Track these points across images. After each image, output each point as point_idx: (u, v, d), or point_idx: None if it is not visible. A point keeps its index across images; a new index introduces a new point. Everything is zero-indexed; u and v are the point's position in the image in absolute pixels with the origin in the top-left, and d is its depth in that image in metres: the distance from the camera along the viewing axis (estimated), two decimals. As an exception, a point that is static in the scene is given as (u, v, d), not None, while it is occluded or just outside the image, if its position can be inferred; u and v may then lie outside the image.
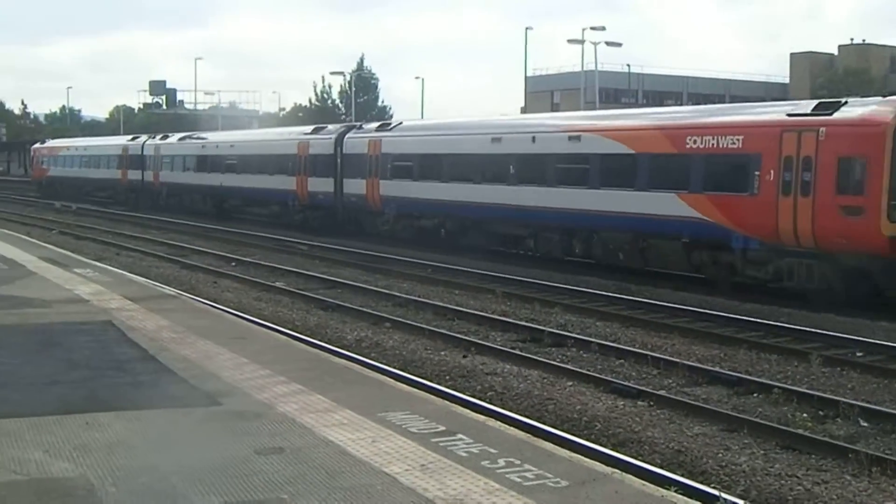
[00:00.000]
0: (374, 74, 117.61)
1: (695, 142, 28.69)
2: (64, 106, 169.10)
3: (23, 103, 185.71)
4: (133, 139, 73.49)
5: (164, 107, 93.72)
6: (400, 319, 23.43)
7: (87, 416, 11.21)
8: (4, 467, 9.41)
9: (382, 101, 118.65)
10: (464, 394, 15.93)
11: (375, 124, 47.22)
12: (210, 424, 10.89)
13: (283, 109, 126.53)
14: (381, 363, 18.05)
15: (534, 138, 35.16)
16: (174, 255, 38.02)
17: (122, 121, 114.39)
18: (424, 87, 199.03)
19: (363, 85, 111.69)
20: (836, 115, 25.60)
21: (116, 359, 14.43)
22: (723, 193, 27.88)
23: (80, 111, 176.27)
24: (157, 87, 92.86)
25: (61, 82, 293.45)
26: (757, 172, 26.75)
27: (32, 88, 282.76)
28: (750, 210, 27.09)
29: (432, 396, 13.10)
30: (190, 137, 65.02)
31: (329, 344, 19.60)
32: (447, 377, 17.73)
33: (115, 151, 74.07)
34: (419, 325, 22.71)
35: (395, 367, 17.74)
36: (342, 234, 44.83)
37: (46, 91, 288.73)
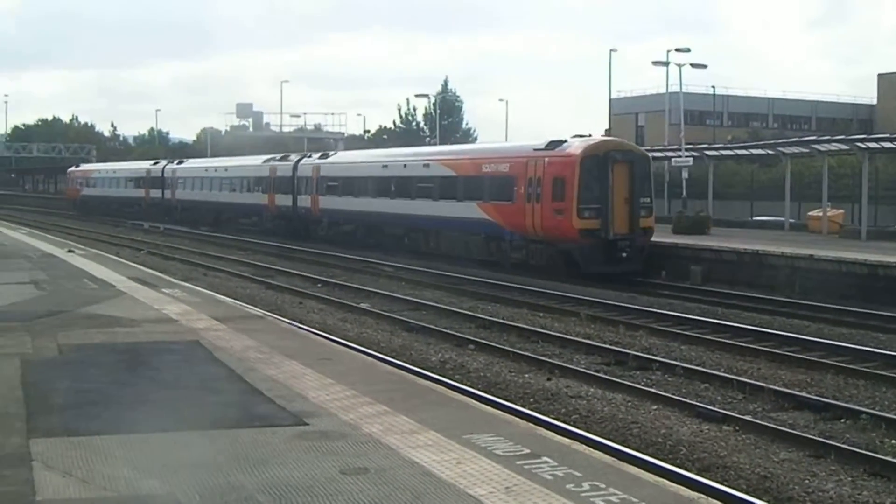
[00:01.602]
0: (458, 97, 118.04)
1: (486, 167, 41.94)
2: (152, 128, 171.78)
3: (112, 125, 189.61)
4: (154, 163, 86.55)
5: (251, 129, 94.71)
6: (484, 342, 23.42)
7: (175, 434, 11.34)
8: (94, 484, 9.54)
9: (467, 123, 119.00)
10: (548, 416, 15.88)
11: (318, 154, 61.26)
12: (296, 444, 10.96)
13: (368, 132, 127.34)
14: (466, 385, 18.04)
15: (405, 165, 48.46)
16: (260, 276, 38.36)
17: (210, 143, 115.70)
18: (508, 109, 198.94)
19: (447, 107, 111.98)
20: (555, 150, 38.78)
21: (204, 378, 14.57)
22: (499, 202, 40.66)
23: (168, 133, 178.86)
24: (243, 109, 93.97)
25: (150, 105, 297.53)
26: (515, 188, 39.60)
27: (123, 111, 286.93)
28: (512, 213, 39.82)
29: (517, 419, 13.06)
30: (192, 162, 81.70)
31: (413, 365, 19.64)
32: (531, 400, 17.69)
33: (140, 174, 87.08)
34: (503, 347, 22.69)
35: (479, 390, 17.73)
36: (297, 237, 56.79)
37: (136, 114, 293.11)
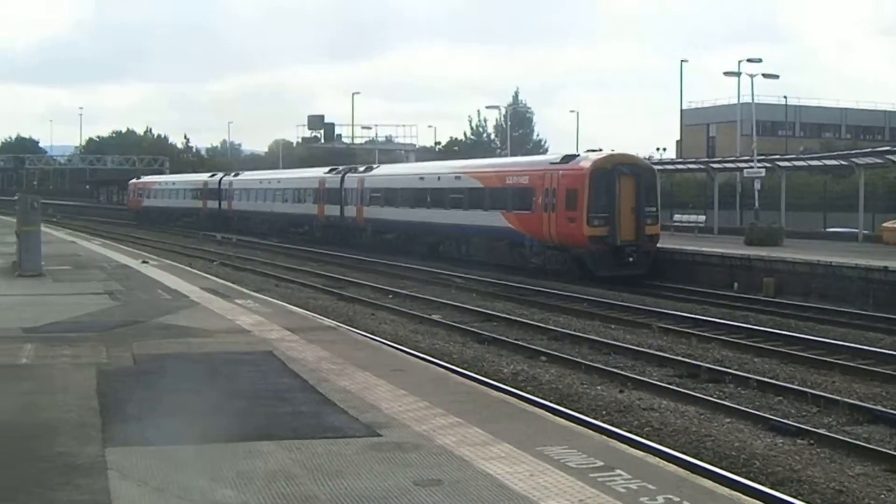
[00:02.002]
0: (529, 108, 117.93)
1: (509, 179, 46.11)
2: (224, 140, 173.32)
3: (185, 137, 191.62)
4: (212, 176, 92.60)
5: (322, 141, 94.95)
6: (556, 353, 23.37)
7: (249, 444, 11.38)
8: (169, 493, 9.61)
9: (538, 135, 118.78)
10: (621, 429, 15.80)
11: (363, 167, 65.09)
12: (369, 455, 10.98)
13: (439, 143, 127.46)
14: (538, 397, 18.00)
15: (439, 177, 52.57)
16: (332, 287, 38.54)
17: (281, 154, 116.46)
18: (579, 120, 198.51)
19: (518, 119, 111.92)
20: (569, 164, 42.69)
21: (277, 389, 14.64)
22: (520, 212, 44.55)
23: (240, 145, 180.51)
24: (315, 121, 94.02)
25: (223, 117, 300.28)
26: (534, 198, 43.50)
27: (195, 123, 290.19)
28: (531, 221, 43.67)
29: (590, 431, 13.00)
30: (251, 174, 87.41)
31: (486, 377, 19.62)
32: (604, 412, 17.60)
33: (197, 185, 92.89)
34: (575, 359, 22.62)
35: (551, 402, 17.68)
36: (345, 244, 60.32)
37: (209, 126, 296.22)
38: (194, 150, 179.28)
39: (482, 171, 50.39)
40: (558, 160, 44.04)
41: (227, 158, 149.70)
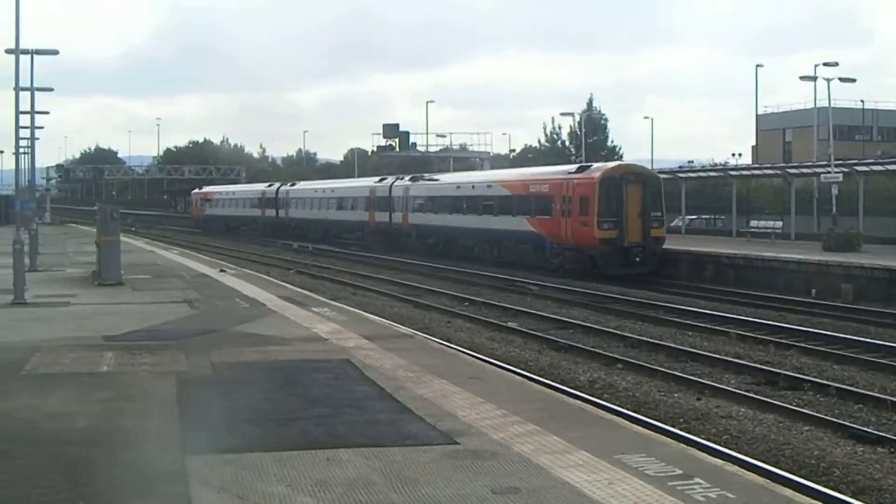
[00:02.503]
0: (603, 115, 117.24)
1: (532, 188, 50.91)
2: (300, 149, 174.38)
3: (261, 147, 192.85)
4: (269, 185, 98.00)
5: (398, 149, 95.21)
6: (632, 361, 23.22)
7: (328, 451, 11.42)
8: (249, 500, 9.67)
9: (612, 141, 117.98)
10: (699, 437, 15.66)
11: (409, 176, 69.68)
12: (447, 463, 10.97)
13: (514, 151, 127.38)
14: (615, 405, 17.90)
15: (473, 186, 57.58)
16: (408, 295, 38.63)
17: (357, 163, 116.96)
18: (654, 127, 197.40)
19: (593, 125, 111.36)
20: (582, 173, 47.76)
21: (355, 396, 14.68)
22: (542, 217, 49.23)
23: (315, 154, 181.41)
24: (390, 129, 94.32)
25: (299, 126, 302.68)
26: (553, 204, 48.28)
27: (272, 133, 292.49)
28: (551, 225, 48.39)
29: (667, 439, 12.90)
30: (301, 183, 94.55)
31: (562, 384, 19.56)
32: (681, 420, 17.45)
33: (256, 195, 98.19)
34: (652, 366, 22.46)
35: (628, 409, 17.56)
36: (392, 249, 64.95)
37: (285, 135, 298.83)
38: (270, 159, 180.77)
39: (510, 180, 55.43)
40: (574, 170, 49.39)
41: (302, 167, 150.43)
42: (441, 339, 24.84)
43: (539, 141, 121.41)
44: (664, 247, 46.81)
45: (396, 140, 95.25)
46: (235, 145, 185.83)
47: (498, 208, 53.84)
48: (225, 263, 47.66)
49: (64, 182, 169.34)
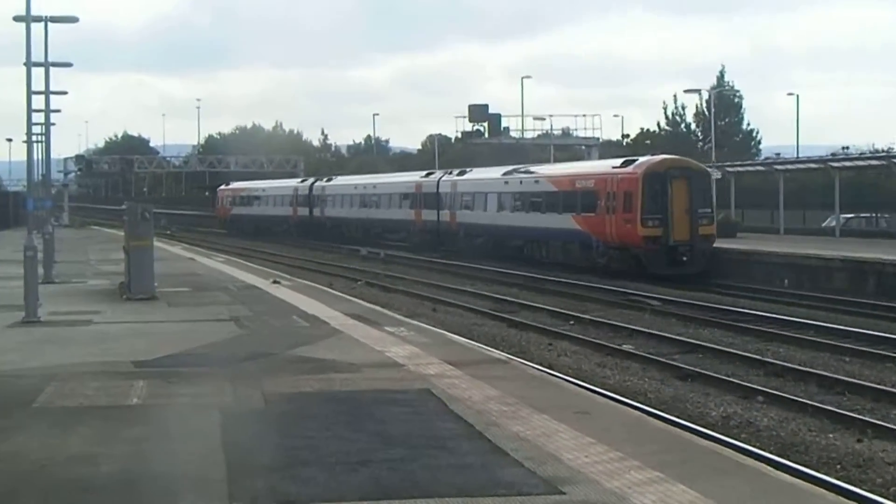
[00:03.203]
0: (737, 91, 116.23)
1: (578, 183, 57.03)
2: (369, 136, 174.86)
3: (323, 133, 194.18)
4: (302, 181, 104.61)
5: (486, 135, 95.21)
6: (776, 392, 22.96)
7: (406, 502, 11.41)
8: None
9: (748, 124, 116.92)
10: (860, 488, 15.44)
11: (457, 171, 76.04)
12: (550, 517, 10.90)
13: (627, 136, 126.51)
14: (755, 447, 17.71)
15: (521, 182, 63.96)
16: (500, 311, 38.62)
17: (437, 152, 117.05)
18: (800, 105, 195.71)
19: (724, 105, 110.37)
20: (626, 168, 53.19)
21: (437, 434, 14.65)
22: (587, 214, 55.10)
23: (387, 141, 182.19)
24: (478, 111, 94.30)
25: (367, 108, 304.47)
26: (598, 201, 54.02)
27: (335, 116, 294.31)
28: (596, 223, 54.00)
29: (821, 490, 12.74)
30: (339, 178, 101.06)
31: (690, 422, 19.39)
32: (838, 466, 17.23)
33: (288, 192, 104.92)
34: (800, 399, 22.19)
35: (772, 453, 17.37)
36: (441, 250, 70.68)
37: (351, 119, 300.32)
38: (333, 147, 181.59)
39: (557, 175, 61.90)
40: (618, 164, 55.29)
41: (371, 157, 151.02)
42: (541, 364, 24.79)
43: (658, 124, 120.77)
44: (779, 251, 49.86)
45: (485, 124, 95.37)
46: (291, 132, 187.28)
47: (545, 205, 59.94)
48: (278, 273, 47.94)
49: (85, 176, 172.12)
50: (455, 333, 28.91)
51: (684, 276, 48.83)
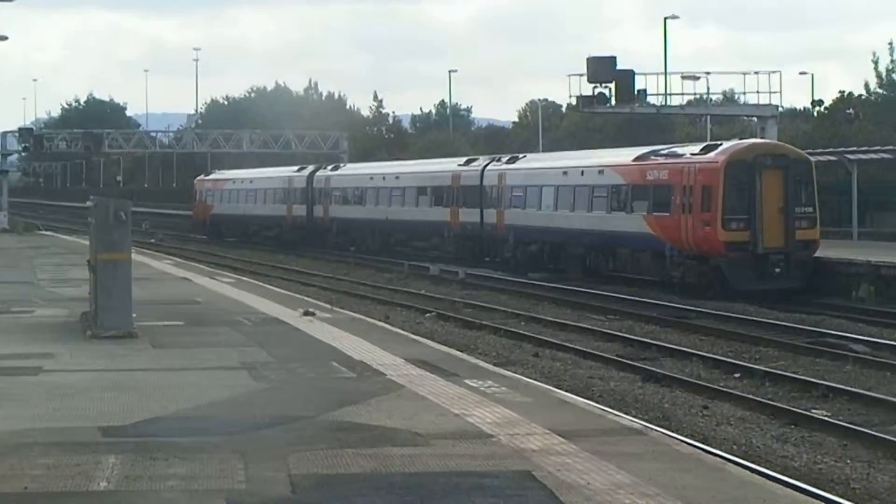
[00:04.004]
0: None
1: (650, 174, 61.87)
2: (443, 102, 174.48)
3: (376, 98, 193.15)
4: (299, 170, 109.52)
5: (612, 102, 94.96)
6: None
7: None
8: None
9: None
10: None
11: (507, 157, 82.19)
12: None
13: (820, 103, 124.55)
14: None
15: (582, 172, 68.54)
16: (631, 357, 38.60)
17: (542, 125, 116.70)
18: None
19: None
20: (706, 156, 57.81)
21: (543, 541, 14.62)
22: (659, 214, 59.78)
23: (469, 109, 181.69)
24: (600, 68, 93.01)
25: (442, 61, 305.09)
26: (672, 197, 58.23)
27: (394, 75, 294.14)
28: (670, 226, 58.58)
29: None
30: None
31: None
32: None
33: (279, 184, 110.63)
34: None
35: None
36: (484, 261, 77.72)
37: (414, 78, 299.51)
38: (391, 118, 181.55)
39: (625, 164, 65.61)
40: (698, 150, 60.22)
41: (446, 133, 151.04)
42: (693, 437, 24.79)
43: (866, 85, 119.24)
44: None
45: (611, 86, 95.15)
46: (331, 96, 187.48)
47: (611, 203, 65.08)
48: (312, 301, 48.05)
49: (32, 159, 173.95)
50: (567, 390, 28.89)
51: (776, 293, 53.66)
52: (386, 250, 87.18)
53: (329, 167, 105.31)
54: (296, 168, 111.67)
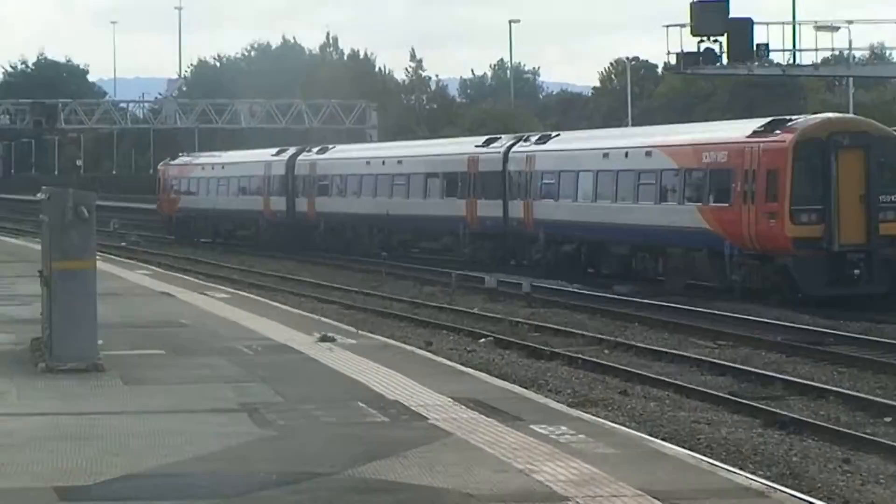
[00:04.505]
0: None
1: (706, 156, 65.42)
2: (501, 61, 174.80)
3: (413, 57, 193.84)
4: (278, 153, 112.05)
5: (724, 61, 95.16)
6: None
7: None
8: None
9: None
10: None
11: (538, 136, 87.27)
12: None
13: None
14: None
15: (626, 154, 72.79)
16: (748, 396, 38.56)
17: (630, 91, 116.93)
18: None
19: None
20: (771, 135, 60.99)
21: None
22: (717, 205, 63.91)
23: (535, 72, 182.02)
24: (708, 16, 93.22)
25: (499, 11, 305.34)
26: (732, 184, 62.53)
27: (436, 27, 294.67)
28: (729, 219, 62.74)
29: None
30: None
31: None
32: None
33: (255, 170, 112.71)
34: None
35: None
36: (508, 264, 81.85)
37: (466, 33, 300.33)
38: (433, 83, 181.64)
39: (677, 144, 70.18)
40: (761, 128, 63.21)
41: (506, 102, 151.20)
42: (830, 500, 24.71)
43: None
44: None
45: (722, 40, 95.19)
46: (354, 54, 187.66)
47: (661, 192, 69.38)
48: (330, 322, 48.16)
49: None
50: (665, 438, 28.92)
51: (857, 299, 56.76)
52: (386, 251, 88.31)
53: (315, 150, 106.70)
54: (274, 151, 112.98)
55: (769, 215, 57.97)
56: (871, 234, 56.63)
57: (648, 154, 69.50)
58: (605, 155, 73.38)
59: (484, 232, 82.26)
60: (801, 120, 61.73)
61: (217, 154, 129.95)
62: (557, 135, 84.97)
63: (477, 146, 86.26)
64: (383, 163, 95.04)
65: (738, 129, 66.21)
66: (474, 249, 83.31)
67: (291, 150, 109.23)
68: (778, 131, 59.76)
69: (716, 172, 63.25)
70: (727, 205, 61.66)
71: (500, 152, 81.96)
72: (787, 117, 63.28)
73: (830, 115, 63.09)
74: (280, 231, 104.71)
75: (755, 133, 61.73)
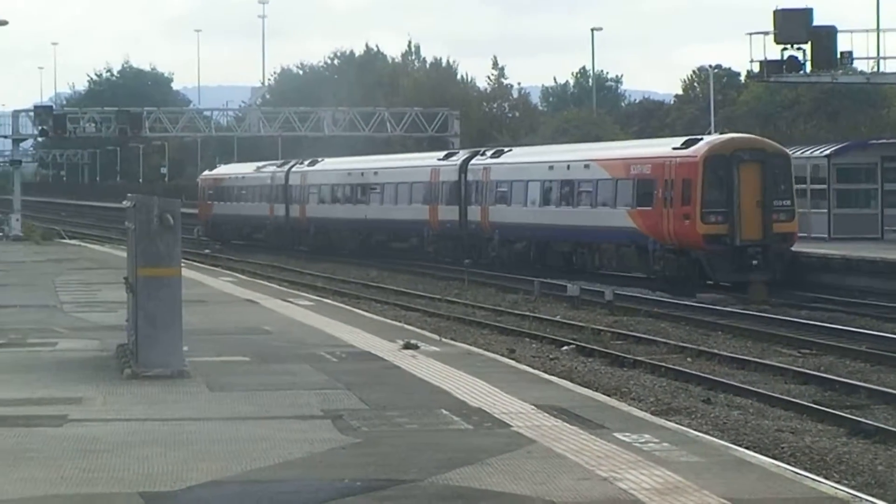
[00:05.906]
0: None
1: (633, 168, 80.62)
2: (584, 69, 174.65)
3: (496, 65, 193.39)
4: (281, 164, 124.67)
5: (808, 67, 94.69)
6: None
7: None
8: None
9: None
10: None
11: (493, 150, 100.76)
12: None
13: None
14: None
15: (568, 166, 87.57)
16: (833, 405, 38.44)
17: (713, 98, 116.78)
18: None
19: None
20: (685, 150, 76.67)
21: None
22: (643, 208, 78.04)
23: (619, 79, 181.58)
24: (791, 24, 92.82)
25: (582, 17, 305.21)
26: (655, 191, 77.02)
27: (518, 33, 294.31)
28: (653, 220, 76.63)
29: None
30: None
31: None
32: None
33: (263, 181, 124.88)
34: None
35: None
36: (470, 260, 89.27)
37: (550, 40, 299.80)
38: (516, 91, 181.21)
39: (610, 158, 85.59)
40: (679, 144, 77.64)
41: (588, 110, 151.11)
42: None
43: None
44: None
45: (806, 48, 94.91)
46: (437, 62, 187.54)
47: (596, 197, 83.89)
48: (416, 330, 48.07)
49: (53, 145, 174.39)
50: (749, 447, 28.81)
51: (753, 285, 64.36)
52: (364, 252, 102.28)
53: (306, 162, 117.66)
54: (279, 163, 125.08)
55: (684, 216, 72.08)
56: (766, 231, 71.61)
57: (587, 166, 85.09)
58: (551, 167, 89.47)
59: (444, 233, 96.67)
60: (711, 138, 78.43)
61: (240, 165, 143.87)
62: (510, 149, 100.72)
63: (438, 160, 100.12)
64: (362, 174, 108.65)
65: (660, 146, 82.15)
66: (436, 248, 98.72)
67: (292, 163, 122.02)
68: (692, 148, 74.50)
69: (642, 182, 77.84)
70: (651, 208, 75.79)
71: (457, 164, 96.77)
72: (699, 137, 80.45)
73: (734, 134, 79.87)
74: (280, 233, 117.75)
75: (674, 149, 76.35)
